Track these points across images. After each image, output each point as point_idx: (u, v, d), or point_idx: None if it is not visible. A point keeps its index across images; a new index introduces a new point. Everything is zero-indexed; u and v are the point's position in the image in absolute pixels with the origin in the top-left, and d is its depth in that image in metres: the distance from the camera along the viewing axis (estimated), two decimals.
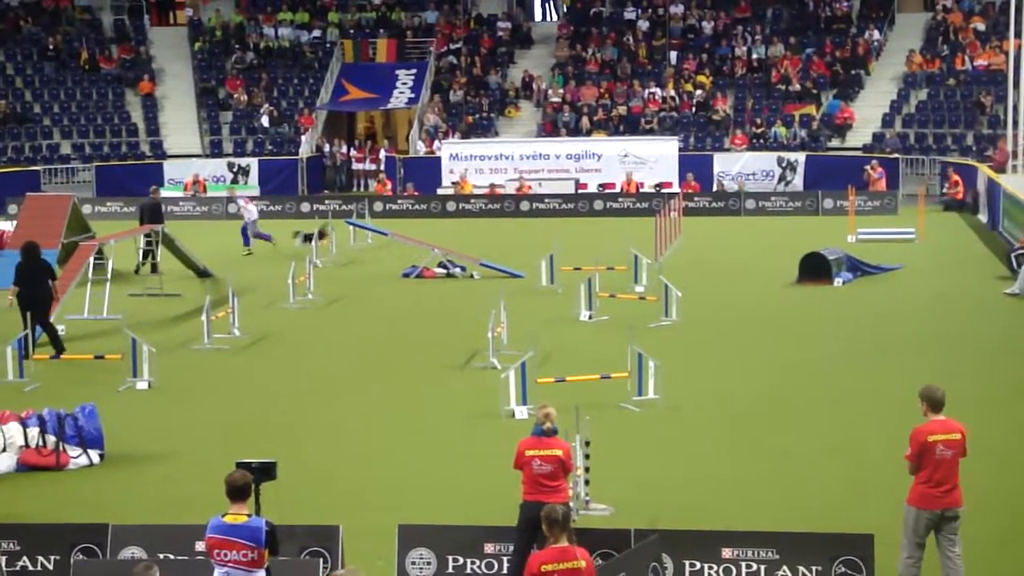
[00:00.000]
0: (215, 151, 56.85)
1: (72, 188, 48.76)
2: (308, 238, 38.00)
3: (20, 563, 13.64)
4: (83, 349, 25.18)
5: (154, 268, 33.28)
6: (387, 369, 24.12)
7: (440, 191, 51.49)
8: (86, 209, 40.12)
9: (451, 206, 49.49)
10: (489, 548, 13.57)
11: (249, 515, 11.06)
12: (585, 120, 56.05)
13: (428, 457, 18.62)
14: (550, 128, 56.29)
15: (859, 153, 52.46)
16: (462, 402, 21.34)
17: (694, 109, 56.71)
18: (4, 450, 17.90)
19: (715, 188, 51.38)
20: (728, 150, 54.13)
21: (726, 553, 13.25)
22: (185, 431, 20.02)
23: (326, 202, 49.37)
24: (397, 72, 59.47)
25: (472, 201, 49.76)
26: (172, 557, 13.30)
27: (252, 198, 44.14)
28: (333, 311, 30.06)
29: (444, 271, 34.44)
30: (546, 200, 49.42)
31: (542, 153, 52.67)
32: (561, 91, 58.03)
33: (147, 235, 33.17)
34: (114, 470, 18.12)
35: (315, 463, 18.01)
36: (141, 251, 33.75)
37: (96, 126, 57.11)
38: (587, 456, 15.60)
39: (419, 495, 16.82)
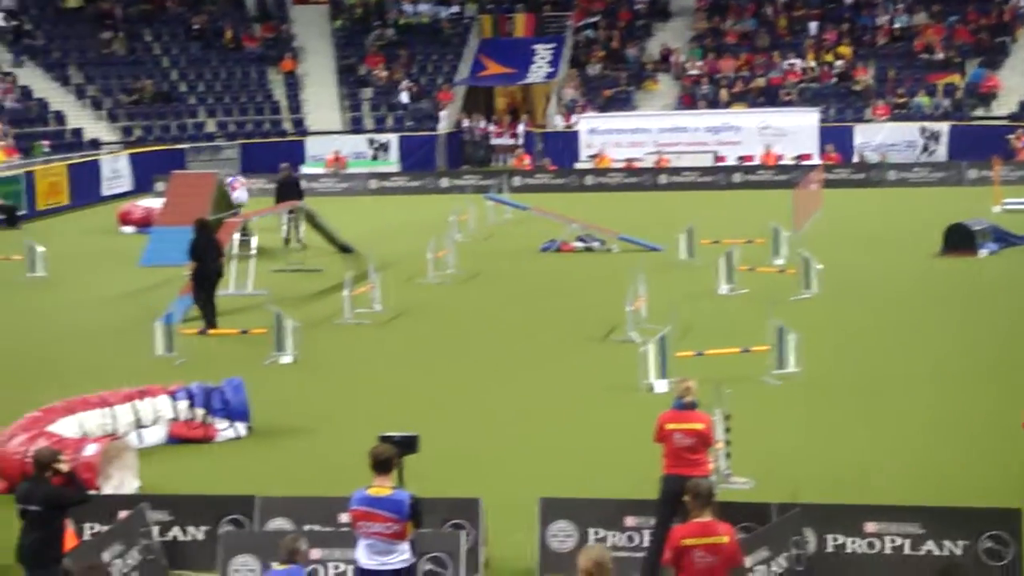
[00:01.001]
0: (356, 127, 57.36)
1: (217, 166, 49.50)
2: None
3: (171, 533, 13.96)
4: (229, 324, 25.60)
5: (288, 242, 33.73)
6: (526, 343, 24.22)
7: (578, 165, 51.50)
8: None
9: (589, 180, 49.47)
10: (630, 521, 13.60)
11: (393, 487, 11.19)
12: (724, 92, 55.68)
13: (568, 430, 18.69)
14: (688, 101, 55.97)
15: (1004, 122, 51.48)
16: (601, 375, 21.37)
17: (835, 80, 56.03)
18: (155, 423, 18.30)
19: (856, 159, 50.77)
20: (869, 121, 53.43)
21: (870, 527, 13.14)
22: (328, 404, 20.30)
23: (465, 177, 49.62)
24: (535, 47, 59.52)
25: (610, 175, 49.69)
26: (317, 528, 13.52)
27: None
28: (473, 285, 30.23)
29: (583, 245, 34.45)
30: (684, 173, 49.20)
31: (680, 126, 52.47)
32: (699, 63, 57.68)
33: (290, 211, 33.59)
34: (260, 443, 18.44)
35: (456, 436, 18.18)
36: (285, 227, 34.24)
37: (240, 104, 57.90)
38: (728, 429, 15.58)
39: (559, 468, 16.90)
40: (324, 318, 26.24)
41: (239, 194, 39.87)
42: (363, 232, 36.45)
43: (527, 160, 52.50)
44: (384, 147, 54.87)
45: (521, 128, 56.66)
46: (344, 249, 34.13)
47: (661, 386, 19.94)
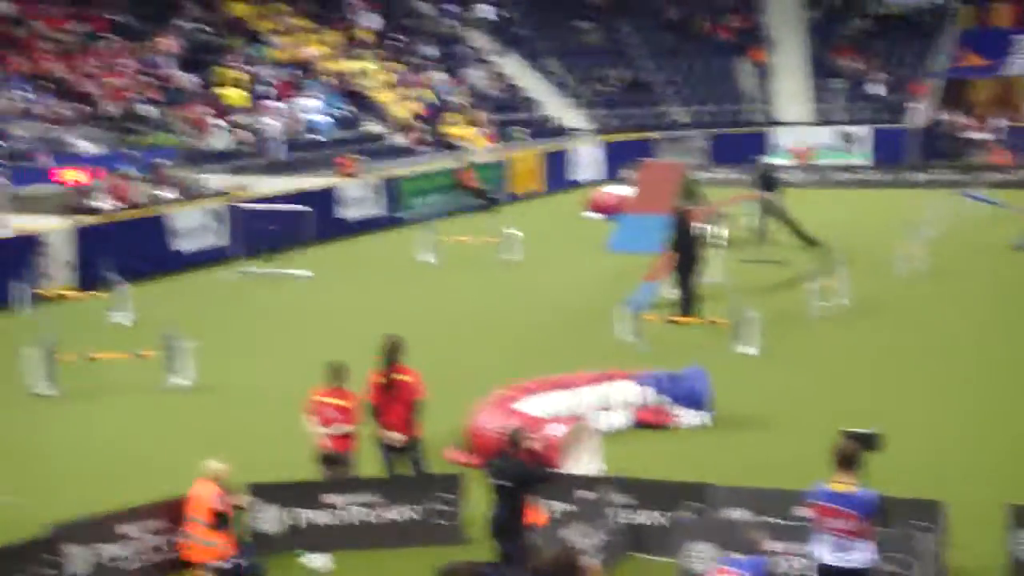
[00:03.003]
0: (825, 119, 56.71)
1: (685, 155, 49.92)
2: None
3: (633, 516, 14.18)
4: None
5: (764, 236, 33.59)
6: (995, 343, 23.47)
7: None
8: (699, 176, 40.95)
9: None
10: None
11: (857, 485, 11.04)
12: None
13: None
14: None
15: None
16: None
17: None
18: (620, 407, 18.65)
19: None
20: None
21: None
22: (790, 397, 20.22)
23: (937, 171, 48.29)
24: (1016, 37, 57.27)
25: None
26: (776, 520, 13.48)
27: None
28: (942, 282, 29.44)
29: None
30: None
31: None
32: None
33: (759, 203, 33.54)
34: (721, 432, 18.54)
35: (919, 435, 17.77)
36: (756, 219, 34.15)
37: (710, 94, 58.22)
38: None
39: None
40: (790, 310, 26.09)
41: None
42: (831, 225, 35.97)
43: (1005, 155, 50.56)
44: (854, 139, 54.03)
45: (998, 123, 54.62)
46: (810, 242, 33.82)
47: None
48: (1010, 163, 49.71)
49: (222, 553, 13.61)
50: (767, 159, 38.09)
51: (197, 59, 45.35)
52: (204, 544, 13.63)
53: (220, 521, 13.68)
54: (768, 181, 35.75)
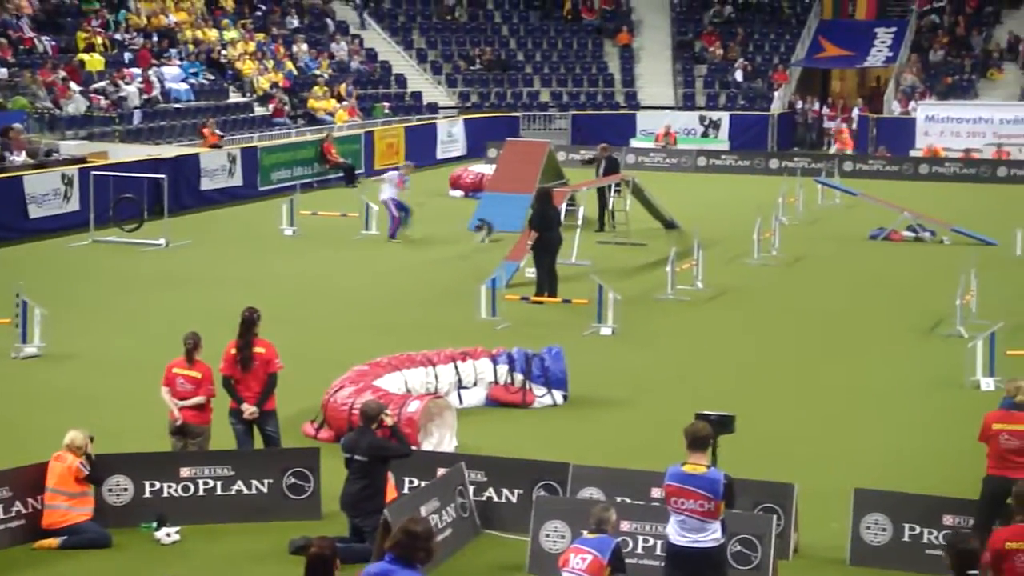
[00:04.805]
0: (688, 104, 57.23)
1: (548, 135, 50.06)
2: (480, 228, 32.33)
3: (486, 493, 14.25)
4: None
5: (613, 216, 33.63)
6: (848, 330, 23.84)
7: (913, 153, 50.26)
8: (560, 156, 41.07)
9: (923, 169, 48.12)
10: (948, 520, 13.29)
11: (708, 466, 11.16)
12: None
13: (887, 423, 18.36)
14: None
15: None
16: (924, 369, 20.91)
17: None
18: (475, 385, 18.68)
19: None
20: None
21: None
22: (645, 378, 20.39)
23: (795, 159, 48.96)
24: (876, 30, 58.25)
25: (946, 165, 48.23)
26: (628, 501, 13.61)
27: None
28: (796, 269, 29.87)
29: (913, 235, 33.66)
30: None
31: None
32: None
33: (617, 185, 33.66)
34: (575, 411, 18.62)
35: (772, 420, 18.03)
36: (611, 200, 34.24)
37: (574, 75, 58.44)
38: None
39: (876, 460, 16.63)
40: (645, 292, 26.28)
41: (388, 188, 32.89)
42: (689, 209, 36.29)
43: (847, 136, 51.44)
44: (715, 125, 54.54)
45: (855, 113, 55.52)
46: (669, 225, 34.11)
47: (988, 384, 19.40)
48: (851, 149, 50.51)
49: (87, 516, 13.73)
50: (603, 147, 37.22)
51: (54, 22, 44.45)
52: (71, 511, 13.56)
53: (86, 488, 13.75)
54: (612, 164, 35.86)
